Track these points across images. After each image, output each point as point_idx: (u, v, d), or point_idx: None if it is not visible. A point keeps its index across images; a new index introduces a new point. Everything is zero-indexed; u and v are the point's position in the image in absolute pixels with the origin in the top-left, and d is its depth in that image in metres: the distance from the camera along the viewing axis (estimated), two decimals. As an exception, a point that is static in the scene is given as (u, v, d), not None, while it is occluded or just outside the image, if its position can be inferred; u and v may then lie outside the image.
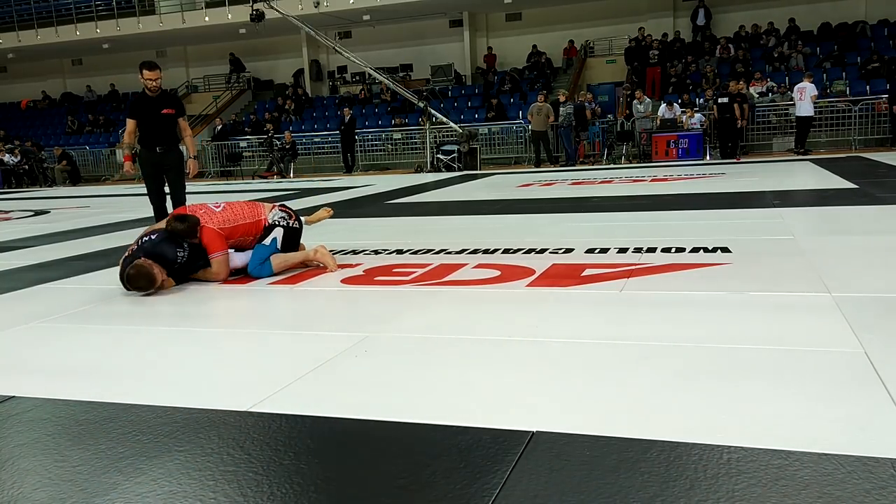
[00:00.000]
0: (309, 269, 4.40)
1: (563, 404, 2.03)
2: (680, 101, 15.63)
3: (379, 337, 2.83)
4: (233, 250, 4.27)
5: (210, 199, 5.36)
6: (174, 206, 5.88)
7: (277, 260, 4.25)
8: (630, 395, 2.06)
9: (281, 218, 4.33)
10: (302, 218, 4.60)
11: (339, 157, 18.43)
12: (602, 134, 16.53)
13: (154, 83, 5.93)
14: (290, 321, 3.38)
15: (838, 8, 19.21)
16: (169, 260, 3.96)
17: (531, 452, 1.72)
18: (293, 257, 4.36)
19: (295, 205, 8.85)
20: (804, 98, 13.89)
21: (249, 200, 4.47)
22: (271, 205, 4.43)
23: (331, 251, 5.01)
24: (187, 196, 6.27)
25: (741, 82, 15.20)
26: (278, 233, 4.27)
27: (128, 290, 3.92)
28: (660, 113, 15.20)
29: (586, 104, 15.94)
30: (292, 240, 4.37)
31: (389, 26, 22.09)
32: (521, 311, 3.15)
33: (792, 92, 15.99)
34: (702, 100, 16.03)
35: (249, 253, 4.31)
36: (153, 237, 4.05)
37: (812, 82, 14.12)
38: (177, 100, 6.54)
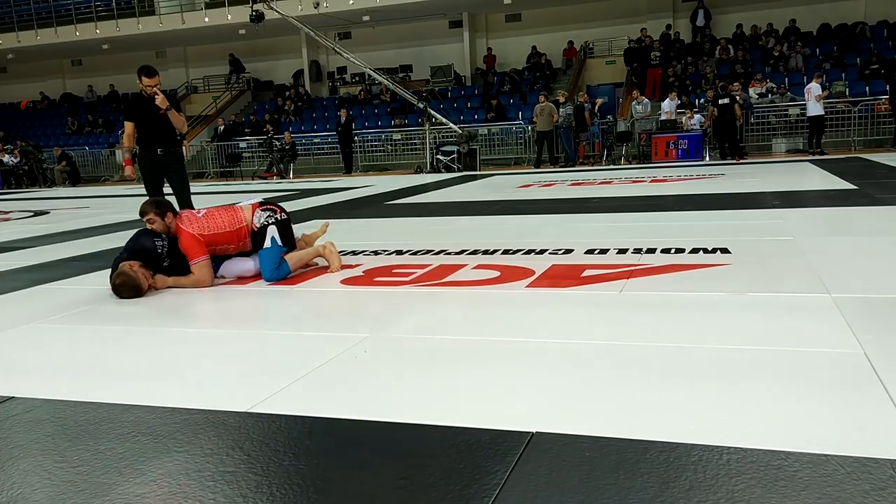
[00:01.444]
0: (310, 268, 4.40)
1: (563, 404, 2.03)
2: (680, 101, 15.65)
3: (379, 337, 2.83)
4: (236, 257, 4.26)
5: (211, 200, 5.36)
6: (180, 208, 5.88)
7: (292, 260, 4.20)
8: (630, 396, 2.06)
9: (268, 217, 4.22)
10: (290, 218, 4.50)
11: (339, 158, 18.44)
12: (602, 135, 16.55)
13: (153, 90, 5.91)
14: (290, 322, 3.38)
15: (838, 9, 19.22)
16: (149, 251, 4.00)
17: (531, 452, 1.72)
18: (305, 255, 4.32)
19: (295, 205, 8.87)
20: (811, 98, 13.90)
21: (229, 205, 4.36)
22: (251, 205, 4.30)
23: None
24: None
25: (739, 83, 15.22)
26: (273, 231, 4.17)
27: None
28: (664, 107, 15.22)
29: (585, 105, 15.96)
30: (287, 232, 4.28)
31: (389, 27, 22.10)
32: (521, 311, 3.15)
33: (791, 93, 16.03)
34: (702, 100, 16.04)
35: (249, 260, 4.26)
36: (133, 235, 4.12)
37: (820, 83, 14.08)
38: (173, 99, 6.54)
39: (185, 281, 4.08)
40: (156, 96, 5.79)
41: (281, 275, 4.12)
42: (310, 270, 4.36)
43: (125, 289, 3.87)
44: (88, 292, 4.14)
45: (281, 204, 4.51)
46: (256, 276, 4.23)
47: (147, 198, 6.14)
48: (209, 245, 4.10)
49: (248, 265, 4.27)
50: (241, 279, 4.24)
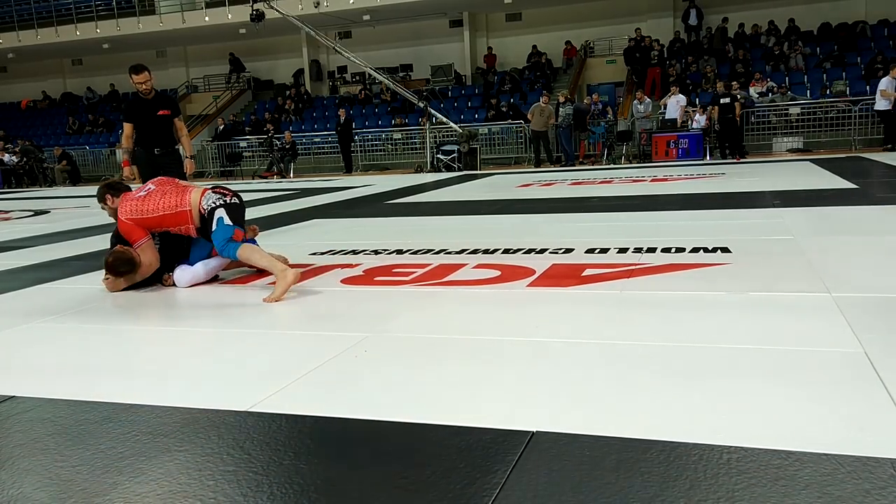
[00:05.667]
0: (307, 269, 4.38)
1: (563, 404, 2.03)
2: (685, 100, 15.67)
3: (379, 337, 2.83)
4: (190, 265, 4.13)
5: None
6: None
7: (247, 251, 3.92)
8: (630, 396, 2.06)
9: (216, 200, 4.02)
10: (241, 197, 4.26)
11: (339, 157, 18.46)
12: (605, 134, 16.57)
13: (145, 86, 5.88)
14: (289, 321, 3.38)
15: (838, 8, 19.22)
16: None
17: (531, 452, 1.72)
18: (262, 258, 3.91)
19: (295, 204, 8.86)
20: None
21: (184, 186, 4.17)
22: (202, 189, 4.12)
23: (330, 251, 5.04)
24: None
25: (738, 82, 15.24)
26: (221, 213, 3.97)
27: (107, 276, 4.01)
28: (663, 99, 15.22)
29: (591, 105, 15.98)
30: (236, 214, 4.04)
31: (389, 26, 22.11)
32: (522, 311, 3.15)
33: (792, 92, 16.02)
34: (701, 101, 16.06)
35: (210, 262, 4.14)
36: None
37: (894, 77, 13.73)
38: (172, 101, 6.56)
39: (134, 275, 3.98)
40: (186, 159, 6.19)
41: (230, 252, 3.89)
42: (310, 270, 4.35)
43: (119, 262, 3.89)
44: (88, 292, 4.14)
45: (236, 192, 4.26)
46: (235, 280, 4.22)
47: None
48: (143, 227, 3.98)
49: (196, 272, 4.10)
50: (240, 277, 4.24)
